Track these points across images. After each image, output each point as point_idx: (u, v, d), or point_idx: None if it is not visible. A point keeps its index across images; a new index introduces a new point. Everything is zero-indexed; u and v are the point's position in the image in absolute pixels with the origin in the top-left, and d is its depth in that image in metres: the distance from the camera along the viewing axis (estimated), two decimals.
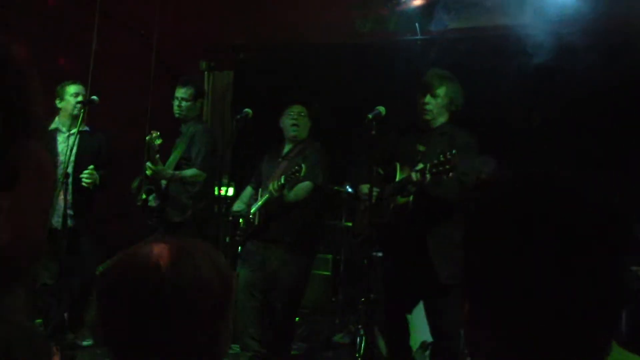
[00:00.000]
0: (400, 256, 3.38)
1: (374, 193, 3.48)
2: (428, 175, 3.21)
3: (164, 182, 4.74)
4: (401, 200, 3.51)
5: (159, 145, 4.52)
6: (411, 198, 3.47)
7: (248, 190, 4.77)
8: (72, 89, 4.67)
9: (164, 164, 4.69)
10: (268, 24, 6.57)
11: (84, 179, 4.55)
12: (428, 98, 3.62)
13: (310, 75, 6.48)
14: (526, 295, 0.75)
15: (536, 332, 0.75)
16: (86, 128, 4.73)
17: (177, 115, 4.85)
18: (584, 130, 5.19)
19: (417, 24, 6.09)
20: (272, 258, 4.44)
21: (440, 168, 3.19)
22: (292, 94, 5.87)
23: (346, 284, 5.72)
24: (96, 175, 4.59)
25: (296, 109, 4.56)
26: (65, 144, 4.64)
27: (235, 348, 4.64)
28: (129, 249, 1.24)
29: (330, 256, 6.03)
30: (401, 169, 3.61)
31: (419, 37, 6.12)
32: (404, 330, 3.72)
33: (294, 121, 4.51)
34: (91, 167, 4.58)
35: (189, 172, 4.72)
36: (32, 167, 0.67)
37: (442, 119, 3.69)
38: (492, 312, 0.79)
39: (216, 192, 4.59)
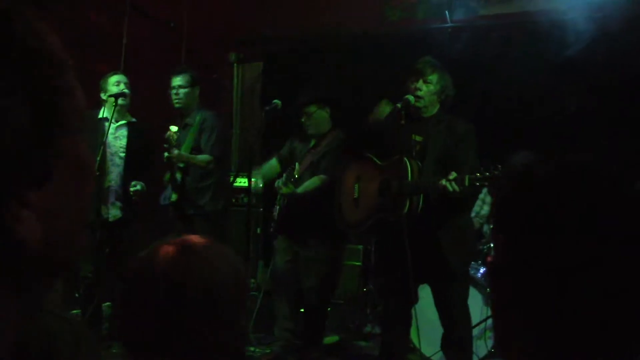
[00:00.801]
0: (411, 246, 3.33)
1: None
2: (467, 185, 3.18)
3: (179, 176, 4.80)
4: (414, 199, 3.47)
5: (177, 139, 4.55)
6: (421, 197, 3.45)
7: (272, 162, 4.73)
8: (114, 78, 4.70)
9: None
10: (297, 14, 6.57)
11: (132, 191, 4.61)
12: (420, 83, 3.57)
13: (339, 65, 6.46)
14: (561, 289, 0.73)
15: (573, 330, 0.74)
16: (133, 119, 4.79)
17: (176, 106, 4.81)
18: (622, 119, 5.08)
19: (446, 12, 6.03)
20: (304, 250, 4.47)
21: (485, 182, 3.16)
22: (320, 84, 5.87)
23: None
24: (141, 190, 4.64)
25: (304, 111, 4.51)
26: (114, 135, 4.70)
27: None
28: (147, 249, 1.25)
29: (360, 247, 6.02)
30: (409, 162, 3.52)
31: (448, 24, 6.06)
32: (406, 320, 3.68)
33: (306, 124, 4.51)
34: (134, 184, 4.61)
35: (201, 157, 4.73)
36: (67, 163, 0.67)
37: (432, 108, 3.62)
38: (525, 306, 0.77)
39: (238, 183, 4.64)
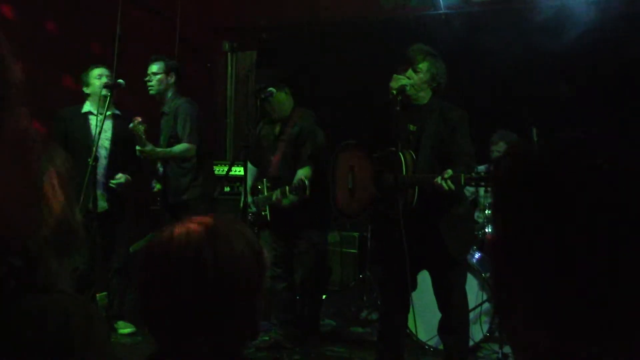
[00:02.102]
0: (409, 234, 3.33)
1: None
2: (462, 184, 3.18)
3: (160, 166, 4.82)
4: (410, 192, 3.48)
5: (145, 130, 4.54)
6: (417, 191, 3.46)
7: (252, 167, 4.69)
8: (96, 71, 4.72)
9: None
10: (290, 3, 6.56)
11: (113, 183, 4.64)
12: (410, 72, 3.56)
13: (333, 53, 6.46)
14: (563, 271, 0.74)
15: (572, 306, 0.74)
16: (117, 112, 4.80)
17: (151, 92, 4.84)
18: (617, 103, 5.10)
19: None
20: (291, 241, 4.52)
21: (481, 183, 3.17)
22: (314, 72, 5.88)
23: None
24: (125, 182, 4.68)
25: (264, 97, 4.38)
26: (98, 127, 4.70)
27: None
28: (164, 228, 1.26)
29: (356, 234, 6.05)
30: (404, 156, 3.50)
31: (442, 11, 6.06)
32: (404, 307, 3.71)
33: (268, 110, 4.50)
34: (119, 176, 4.66)
35: (179, 147, 4.75)
36: (7, 136, 0.65)
37: (424, 95, 3.60)
38: (524, 284, 0.78)
39: (233, 172, 4.64)
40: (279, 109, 4.52)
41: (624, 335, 0.75)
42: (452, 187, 3.19)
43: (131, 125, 4.48)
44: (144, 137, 4.52)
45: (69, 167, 1.38)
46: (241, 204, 4.17)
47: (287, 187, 4.18)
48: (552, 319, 0.76)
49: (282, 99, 4.52)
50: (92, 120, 4.70)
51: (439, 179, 3.20)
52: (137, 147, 4.59)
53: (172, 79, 4.87)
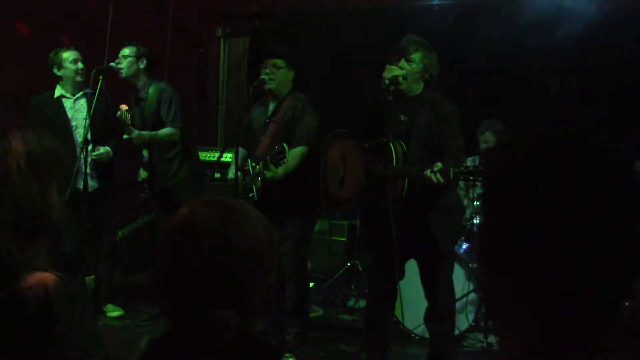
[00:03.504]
0: (398, 224, 3.35)
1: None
2: (451, 177, 3.17)
3: (145, 152, 4.84)
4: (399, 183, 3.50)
5: (131, 117, 4.57)
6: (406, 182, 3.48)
7: (242, 152, 4.57)
8: (69, 55, 4.71)
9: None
10: None
11: (93, 156, 4.65)
12: (402, 63, 3.57)
13: (327, 41, 6.46)
14: (549, 259, 0.76)
15: (560, 289, 0.77)
16: (88, 90, 4.79)
17: (121, 75, 4.83)
18: (604, 97, 5.14)
19: None
20: (282, 228, 4.50)
21: (469, 176, 3.17)
22: (306, 60, 5.87)
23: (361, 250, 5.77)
24: (105, 154, 4.70)
25: (270, 62, 4.33)
26: (74, 109, 4.74)
27: None
28: (187, 207, 1.28)
29: (345, 222, 6.08)
30: (394, 147, 3.50)
31: (436, 2, 6.07)
32: (391, 296, 3.74)
33: (268, 76, 4.32)
34: (97, 148, 4.68)
35: (164, 131, 4.77)
36: None
37: (416, 87, 3.61)
38: (514, 269, 0.80)
39: (224, 158, 4.64)
40: (282, 86, 4.35)
41: (609, 308, 0.78)
42: (441, 180, 3.19)
43: (118, 113, 4.51)
44: (130, 124, 4.55)
45: (51, 149, 1.38)
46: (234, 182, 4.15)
47: (267, 157, 4.01)
48: (539, 307, 0.78)
49: (287, 77, 4.38)
50: (67, 103, 4.74)
51: (428, 172, 3.20)
52: (125, 135, 4.63)
53: (142, 65, 4.86)
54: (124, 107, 4.51)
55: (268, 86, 4.31)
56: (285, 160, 3.87)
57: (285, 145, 3.88)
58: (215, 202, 1.27)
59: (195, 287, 1.21)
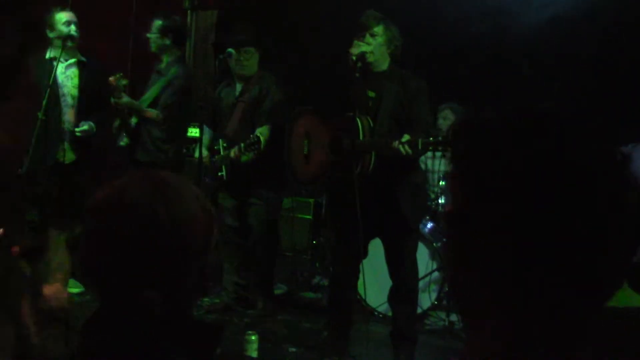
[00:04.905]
0: (365, 201, 3.35)
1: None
2: (419, 148, 3.18)
3: (134, 120, 4.72)
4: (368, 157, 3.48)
5: (125, 85, 4.49)
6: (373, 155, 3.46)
7: (208, 131, 4.63)
8: (63, 17, 4.53)
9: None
10: None
11: (77, 132, 4.53)
12: (367, 38, 3.56)
13: (296, 15, 6.37)
14: (519, 238, 0.73)
15: (529, 278, 0.73)
16: (83, 59, 4.66)
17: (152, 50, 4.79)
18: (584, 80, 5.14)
19: None
20: (244, 203, 4.51)
21: (438, 146, 3.17)
22: (274, 36, 5.78)
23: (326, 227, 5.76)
24: (89, 131, 4.57)
25: (242, 51, 4.41)
26: (64, 74, 4.58)
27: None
28: (113, 183, 1.20)
29: (311, 200, 6.05)
30: (360, 120, 3.49)
31: None
32: (354, 274, 3.74)
33: (242, 63, 4.43)
34: (82, 124, 4.55)
35: (152, 111, 4.68)
36: (26, 83, 0.66)
37: (383, 61, 3.61)
38: (482, 255, 0.77)
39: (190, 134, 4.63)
40: (248, 67, 4.46)
41: (582, 294, 0.75)
42: (410, 151, 3.21)
43: (111, 78, 4.41)
44: (122, 89, 4.45)
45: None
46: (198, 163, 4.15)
47: (242, 144, 4.15)
48: (507, 289, 0.75)
49: (256, 59, 4.49)
50: (59, 67, 4.52)
51: (396, 143, 3.22)
52: (112, 99, 4.49)
53: (167, 41, 4.74)
54: (119, 74, 4.46)
55: (239, 72, 4.47)
56: (259, 147, 4.04)
57: (261, 137, 4.06)
58: (149, 177, 1.19)
59: (119, 265, 1.14)
